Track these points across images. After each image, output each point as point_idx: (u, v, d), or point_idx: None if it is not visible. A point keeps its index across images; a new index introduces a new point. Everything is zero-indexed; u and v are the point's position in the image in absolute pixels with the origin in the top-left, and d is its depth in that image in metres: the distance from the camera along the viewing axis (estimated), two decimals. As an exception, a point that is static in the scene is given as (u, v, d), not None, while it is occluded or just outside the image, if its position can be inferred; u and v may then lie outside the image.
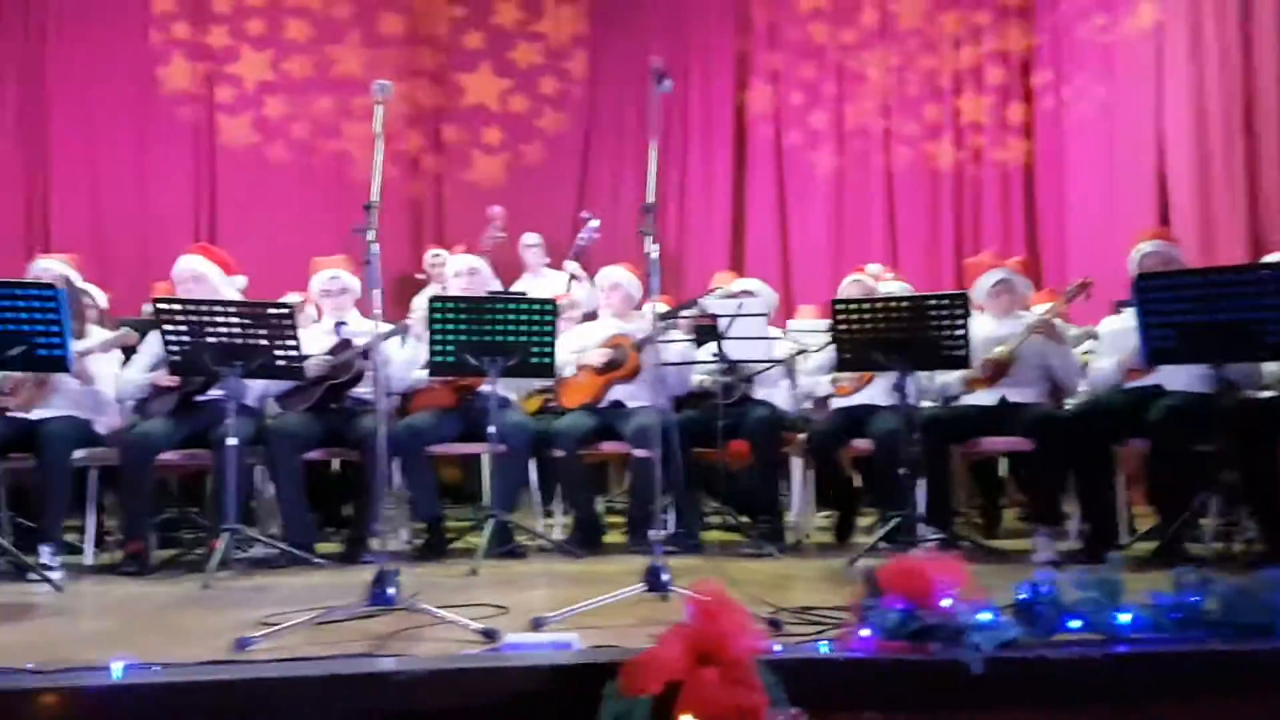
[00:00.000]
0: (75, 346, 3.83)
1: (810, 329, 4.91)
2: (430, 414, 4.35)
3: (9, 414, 4.08)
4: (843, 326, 3.91)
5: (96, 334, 4.34)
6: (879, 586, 2.26)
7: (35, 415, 4.12)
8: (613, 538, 4.56)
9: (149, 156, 7.22)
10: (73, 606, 3.22)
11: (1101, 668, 2.19)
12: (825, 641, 2.29)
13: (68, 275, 4.28)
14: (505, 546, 4.06)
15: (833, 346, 4.03)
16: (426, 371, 4.40)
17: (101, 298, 4.97)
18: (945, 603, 2.17)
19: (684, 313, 4.61)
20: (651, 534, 4.28)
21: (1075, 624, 2.28)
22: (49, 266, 4.38)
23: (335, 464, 4.87)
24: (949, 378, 4.20)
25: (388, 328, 4.56)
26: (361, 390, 4.46)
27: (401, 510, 4.59)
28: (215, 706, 2.07)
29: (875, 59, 7.58)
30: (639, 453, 4.22)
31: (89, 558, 4.12)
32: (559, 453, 4.28)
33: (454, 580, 3.58)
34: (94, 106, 7.15)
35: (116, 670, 2.09)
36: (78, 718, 2.02)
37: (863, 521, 4.68)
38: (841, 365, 4.07)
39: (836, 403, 4.60)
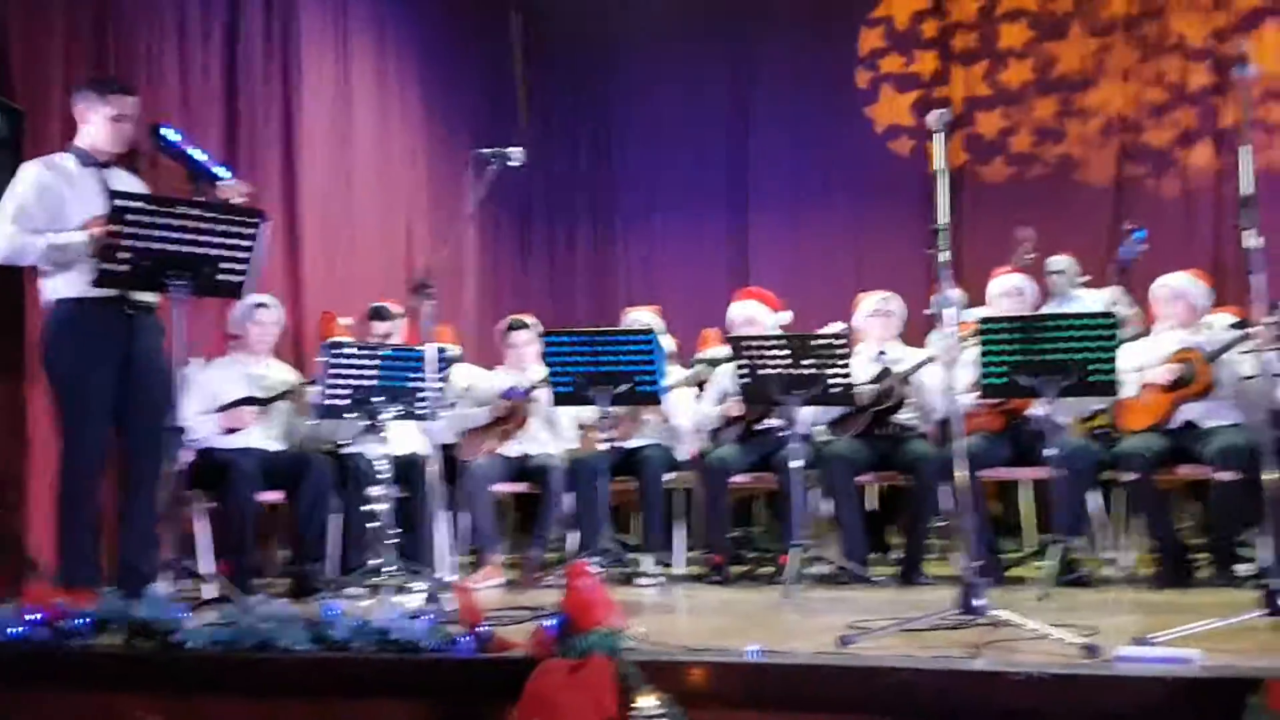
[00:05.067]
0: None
1: None
2: (979, 438, 4.34)
3: (614, 444, 4.80)
4: None
5: (675, 373, 4.97)
6: None
7: (631, 444, 4.84)
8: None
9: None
10: (680, 606, 3.69)
11: None
12: None
13: (652, 323, 4.96)
14: (1072, 575, 3.91)
15: None
16: (970, 396, 4.42)
17: (670, 342, 5.66)
18: None
19: (1268, 319, 4.10)
20: (1241, 568, 3.93)
21: None
22: (639, 316, 5.12)
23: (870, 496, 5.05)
24: None
25: (923, 355, 4.68)
26: (906, 416, 4.60)
27: (956, 535, 4.61)
28: (834, 689, 2.27)
29: None
30: (1222, 476, 3.84)
31: (678, 568, 4.69)
32: (1129, 476, 4.03)
33: (1024, 605, 3.51)
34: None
35: (751, 652, 2.38)
36: (720, 688, 2.34)
37: None
38: None
39: None
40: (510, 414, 4.84)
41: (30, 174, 3.50)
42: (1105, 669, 2.19)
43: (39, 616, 2.84)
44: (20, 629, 2.82)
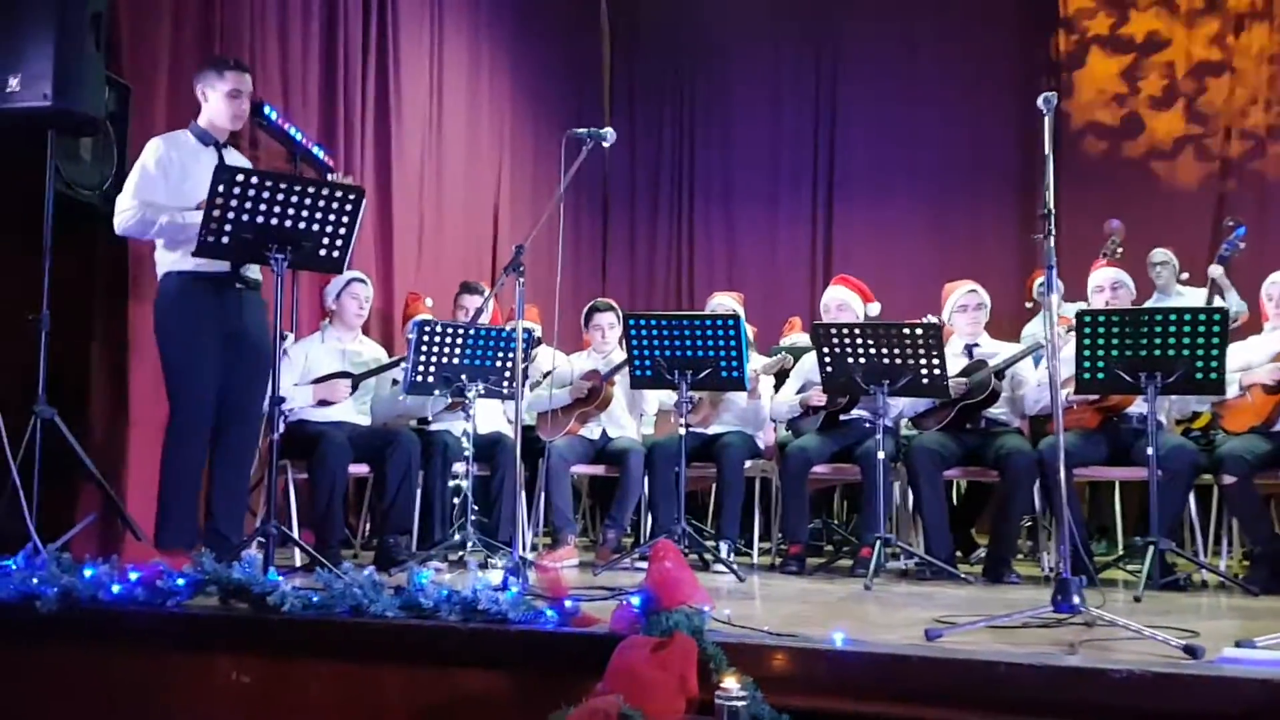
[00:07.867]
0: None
1: None
2: (1074, 435, 4.22)
3: (691, 429, 4.79)
4: None
5: (754, 359, 4.93)
6: None
7: (711, 431, 4.82)
8: None
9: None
10: (759, 594, 3.67)
11: None
12: None
13: (737, 309, 4.93)
14: (1168, 578, 3.78)
15: None
16: (1065, 392, 4.29)
17: (749, 330, 5.63)
18: None
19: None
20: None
21: None
22: (724, 301, 5.09)
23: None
24: None
25: (1020, 347, 4.57)
26: (996, 411, 4.49)
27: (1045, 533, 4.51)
28: (923, 681, 2.23)
29: None
30: (1331, 481, 3.68)
31: (754, 556, 4.66)
32: (1229, 479, 3.88)
33: (1117, 606, 3.41)
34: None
35: (838, 639, 2.35)
36: (805, 674, 2.31)
37: None
38: None
39: None
40: (590, 396, 4.86)
41: (153, 150, 3.63)
42: (1210, 670, 2.11)
43: (137, 577, 2.93)
44: (119, 589, 2.91)
